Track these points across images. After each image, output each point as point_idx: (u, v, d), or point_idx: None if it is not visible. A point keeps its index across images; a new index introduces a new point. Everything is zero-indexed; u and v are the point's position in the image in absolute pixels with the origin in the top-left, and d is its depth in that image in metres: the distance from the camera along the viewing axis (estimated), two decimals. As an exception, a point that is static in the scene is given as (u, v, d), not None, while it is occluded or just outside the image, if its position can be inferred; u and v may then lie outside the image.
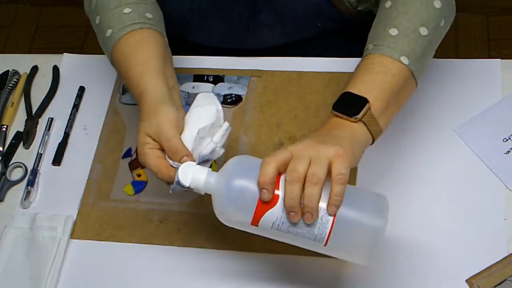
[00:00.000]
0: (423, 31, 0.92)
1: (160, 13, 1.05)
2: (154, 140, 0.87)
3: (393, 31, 0.91)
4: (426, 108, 1.08)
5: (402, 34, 0.91)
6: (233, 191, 0.82)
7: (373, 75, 0.89)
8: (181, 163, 0.85)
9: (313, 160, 0.80)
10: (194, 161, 0.86)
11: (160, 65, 0.94)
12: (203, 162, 0.87)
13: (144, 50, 0.95)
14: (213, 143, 0.87)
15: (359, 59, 0.95)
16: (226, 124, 0.89)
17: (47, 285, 1.00)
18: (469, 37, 2.05)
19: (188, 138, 0.87)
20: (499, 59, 1.11)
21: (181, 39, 1.20)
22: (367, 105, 0.87)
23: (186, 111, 0.92)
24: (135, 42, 0.97)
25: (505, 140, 1.03)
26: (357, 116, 0.86)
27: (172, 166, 0.86)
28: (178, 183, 0.84)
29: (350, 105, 0.87)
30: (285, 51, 1.17)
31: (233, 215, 0.84)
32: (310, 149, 0.81)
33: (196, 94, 1.15)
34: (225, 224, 0.86)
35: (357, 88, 0.89)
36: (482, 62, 1.12)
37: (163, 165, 0.86)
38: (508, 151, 1.02)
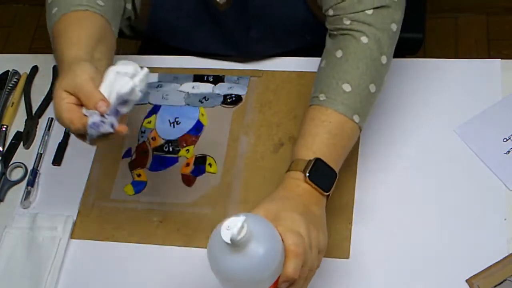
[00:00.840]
0: (372, 88, 0.94)
1: (115, 6, 1.03)
2: (71, 94, 0.85)
3: (347, 87, 0.92)
4: (426, 108, 1.08)
5: (354, 91, 0.93)
6: (257, 268, 0.77)
7: (332, 139, 0.91)
8: (96, 108, 0.82)
9: (313, 250, 0.83)
10: (110, 106, 0.82)
11: (89, 43, 0.92)
12: (121, 104, 0.83)
13: (79, 28, 0.94)
14: (132, 82, 0.83)
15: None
16: (146, 69, 0.84)
17: (47, 285, 1.00)
18: (469, 37, 2.05)
19: (105, 86, 0.84)
20: (499, 59, 1.11)
21: (177, 48, 1.20)
22: (335, 181, 0.90)
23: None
24: (72, 21, 0.95)
25: (505, 140, 1.03)
26: (329, 192, 0.89)
27: (85, 115, 0.83)
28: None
29: (323, 177, 0.89)
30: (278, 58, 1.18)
31: (236, 278, 0.79)
32: (312, 235, 0.83)
33: (196, 94, 1.16)
34: (212, 268, 0.79)
35: (325, 154, 0.90)
36: (482, 62, 1.12)
37: (76, 116, 0.84)
38: (508, 151, 1.02)
